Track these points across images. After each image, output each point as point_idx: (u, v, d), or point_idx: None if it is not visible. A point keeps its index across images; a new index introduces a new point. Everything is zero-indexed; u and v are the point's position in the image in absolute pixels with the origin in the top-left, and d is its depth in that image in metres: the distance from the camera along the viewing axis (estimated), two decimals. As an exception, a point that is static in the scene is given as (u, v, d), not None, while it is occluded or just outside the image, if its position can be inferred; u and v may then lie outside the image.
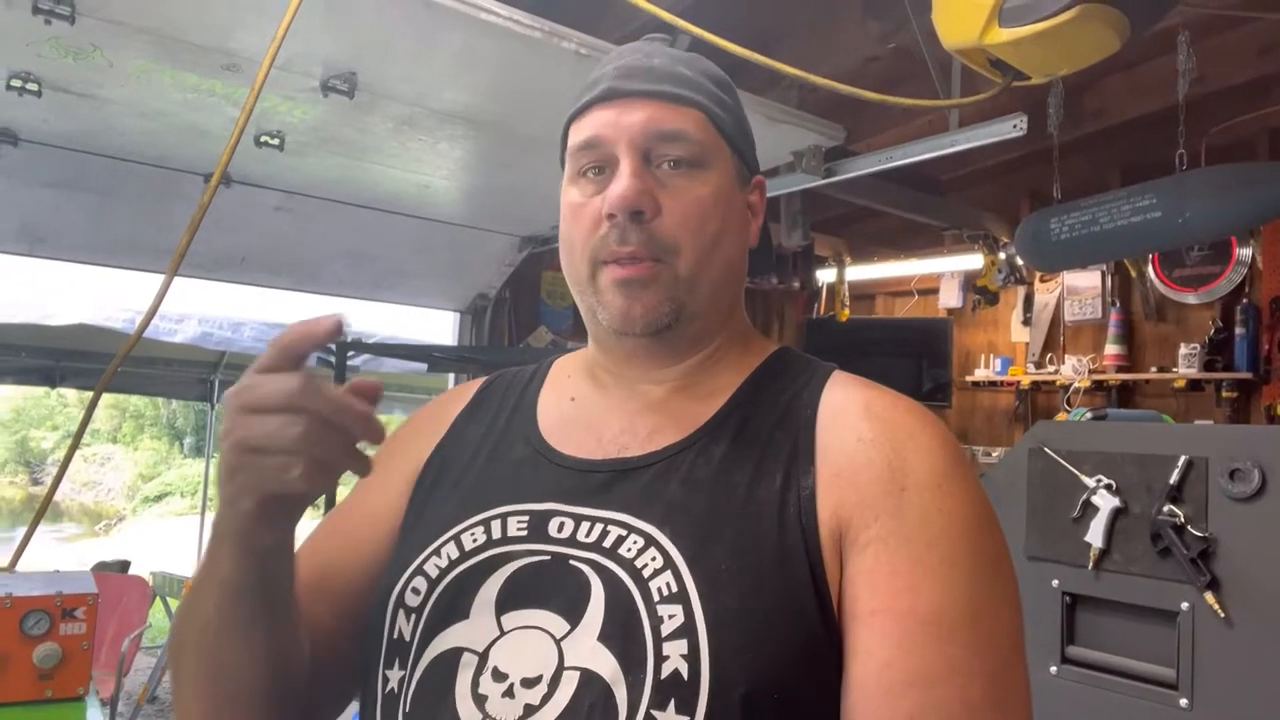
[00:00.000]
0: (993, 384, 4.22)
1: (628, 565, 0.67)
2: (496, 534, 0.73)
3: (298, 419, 0.59)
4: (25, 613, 1.36)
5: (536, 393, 0.86)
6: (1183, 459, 1.66)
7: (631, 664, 0.63)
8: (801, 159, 2.42)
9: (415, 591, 0.72)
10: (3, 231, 2.52)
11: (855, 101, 3.05)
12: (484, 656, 0.67)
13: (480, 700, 0.66)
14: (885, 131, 3.16)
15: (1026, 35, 1.53)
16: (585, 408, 0.82)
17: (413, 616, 0.71)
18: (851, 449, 0.70)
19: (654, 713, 0.62)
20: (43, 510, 1.79)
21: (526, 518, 0.73)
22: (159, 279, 3.04)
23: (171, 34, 1.71)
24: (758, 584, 0.65)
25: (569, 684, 0.64)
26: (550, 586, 0.69)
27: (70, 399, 17.05)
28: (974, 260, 4.06)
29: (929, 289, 4.61)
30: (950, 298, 4.36)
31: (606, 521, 0.71)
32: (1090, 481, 1.78)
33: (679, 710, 0.61)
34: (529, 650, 0.66)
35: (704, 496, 0.70)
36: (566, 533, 0.71)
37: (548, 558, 0.70)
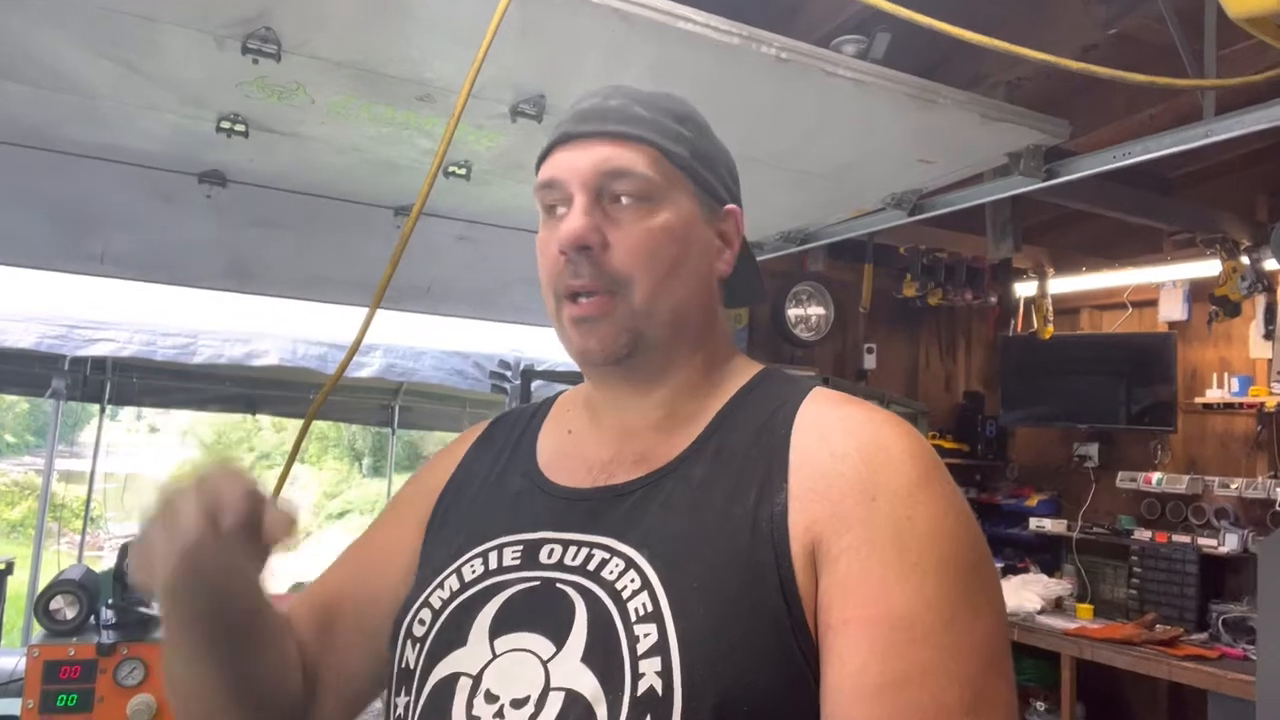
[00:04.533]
0: (1228, 406, 3.72)
1: (609, 587, 0.71)
2: (493, 565, 0.78)
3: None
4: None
5: (538, 427, 0.92)
6: None
7: (611, 683, 0.67)
8: (1019, 161, 2.16)
9: (421, 622, 0.78)
10: (213, 270, 2.64)
11: (1065, 96, 2.77)
12: (478, 679, 0.72)
13: None
14: (1099, 129, 2.85)
15: (1351, -8, 1.25)
16: (579, 439, 0.87)
17: (418, 646, 0.77)
18: (824, 464, 0.72)
19: None
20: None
21: (520, 547, 0.78)
22: (348, 310, 3.14)
23: (370, 67, 1.70)
24: (728, 600, 0.68)
25: (554, 704, 0.68)
26: (539, 610, 0.73)
27: (265, 424, 18.44)
28: (1203, 267, 3.60)
29: (1145, 300, 4.14)
30: (1172, 310, 3.88)
31: (592, 545, 0.75)
32: None
33: None
34: (518, 672, 0.71)
35: (681, 518, 0.74)
36: (555, 558, 0.76)
37: (537, 583, 0.75)
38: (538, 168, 0.86)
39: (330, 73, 1.71)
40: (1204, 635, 3.50)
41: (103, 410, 5.33)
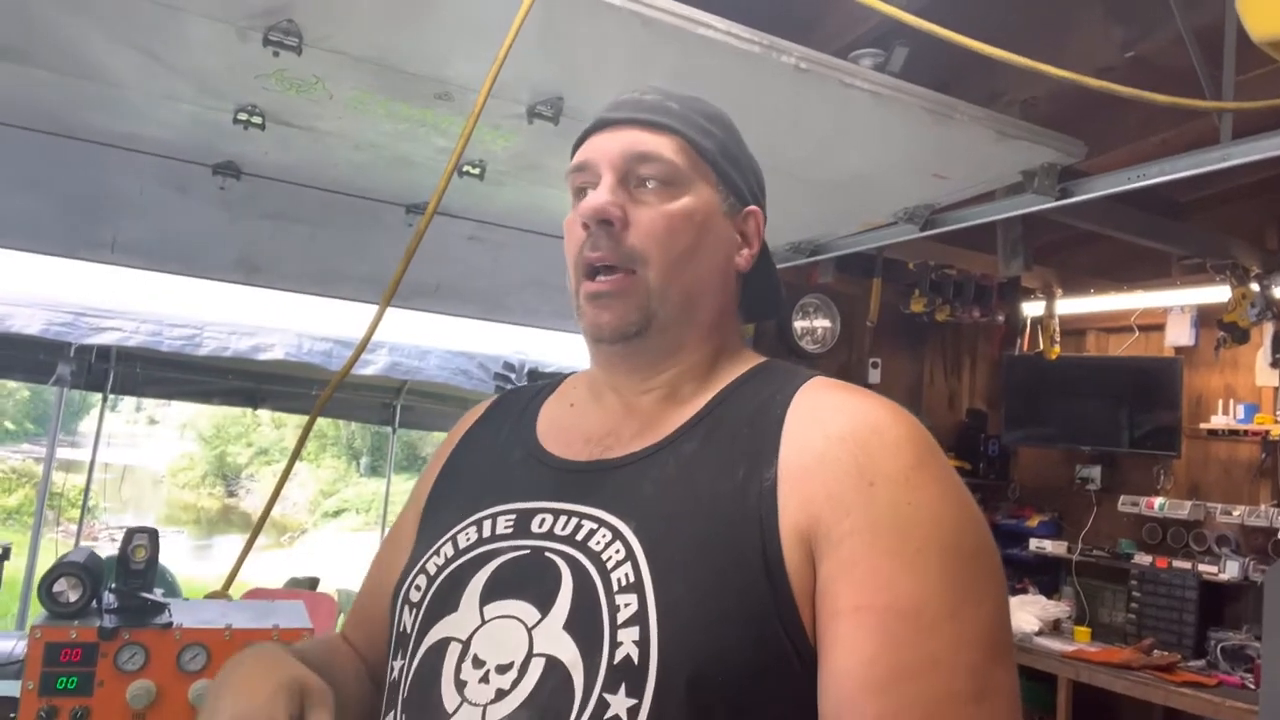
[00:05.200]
0: (1233, 433, 3.71)
1: (595, 557, 0.73)
2: (486, 533, 0.80)
3: None
4: (243, 646, 1.32)
5: (541, 403, 0.94)
6: None
7: (590, 650, 0.68)
8: (1033, 179, 2.17)
9: (417, 588, 0.80)
10: (223, 261, 2.64)
11: (1078, 117, 2.77)
12: (466, 644, 0.74)
13: (461, 685, 0.72)
14: (1111, 151, 2.85)
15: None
16: (580, 413, 0.90)
17: (414, 611, 0.79)
18: (818, 446, 0.72)
19: (606, 695, 0.66)
20: (255, 535, 1.80)
21: (514, 516, 0.80)
22: (355, 306, 3.13)
23: (390, 64, 1.70)
24: (710, 575, 0.69)
25: (536, 670, 0.70)
26: (527, 578, 0.74)
27: (263, 418, 18.44)
28: (1212, 293, 3.60)
29: (1152, 324, 4.13)
30: (1179, 334, 3.88)
31: (581, 516, 0.77)
32: None
33: (629, 693, 0.66)
34: (504, 638, 0.72)
35: (670, 493, 0.75)
36: (545, 527, 0.77)
37: (527, 551, 0.77)
38: (572, 155, 0.88)
39: (350, 68, 1.71)
40: (1201, 662, 3.48)
41: (105, 399, 5.32)
